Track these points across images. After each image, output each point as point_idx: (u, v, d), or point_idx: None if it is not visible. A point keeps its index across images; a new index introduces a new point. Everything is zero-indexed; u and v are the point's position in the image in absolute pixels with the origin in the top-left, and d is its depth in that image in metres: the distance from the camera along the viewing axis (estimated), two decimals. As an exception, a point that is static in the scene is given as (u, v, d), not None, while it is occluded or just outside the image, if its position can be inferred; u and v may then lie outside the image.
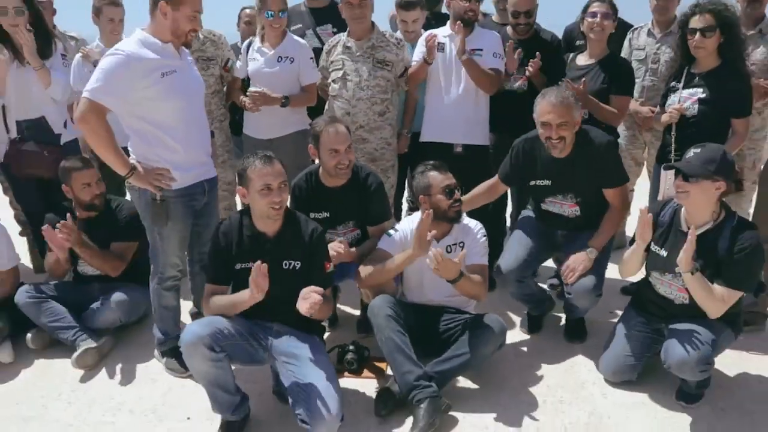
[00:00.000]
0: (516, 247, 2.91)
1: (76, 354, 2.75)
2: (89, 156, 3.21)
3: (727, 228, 2.29)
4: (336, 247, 2.57)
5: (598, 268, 2.75)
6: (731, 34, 2.74)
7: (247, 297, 2.15)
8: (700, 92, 2.83)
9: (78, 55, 3.51)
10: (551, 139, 2.67)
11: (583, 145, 2.74)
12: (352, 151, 2.77)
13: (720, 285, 2.26)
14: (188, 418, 2.43)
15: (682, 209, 2.41)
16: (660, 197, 2.90)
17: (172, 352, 2.66)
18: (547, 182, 2.87)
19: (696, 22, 2.75)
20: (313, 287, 2.14)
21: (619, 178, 2.80)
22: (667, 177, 2.81)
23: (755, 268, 2.29)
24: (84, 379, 2.71)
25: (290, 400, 2.21)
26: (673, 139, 2.91)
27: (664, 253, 2.42)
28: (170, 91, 2.37)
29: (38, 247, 3.50)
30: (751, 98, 2.86)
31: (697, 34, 2.75)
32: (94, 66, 3.37)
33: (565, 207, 2.88)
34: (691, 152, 2.31)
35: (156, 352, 2.80)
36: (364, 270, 2.58)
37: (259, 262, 2.07)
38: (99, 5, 3.50)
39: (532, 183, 2.91)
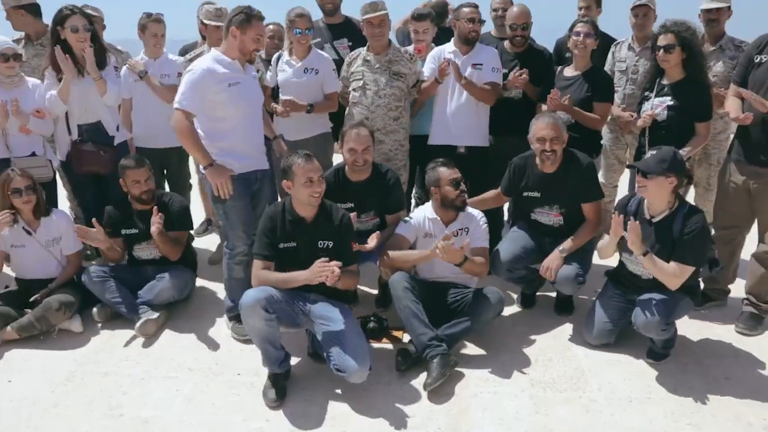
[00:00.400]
0: (511, 243, 3.39)
1: (138, 323, 3.23)
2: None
3: (680, 214, 2.80)
4: (368, 248, 3.07)
5: (581, 261, 3.22)
6: (691, 51, 3.23)
7: (303, 279, 2.64)
8: (668, 100, 3.31)
9: (125, 67, 4.00)
10: (546, 152, 3.17)
11: (568, 164, 3.25)
12: (370, 152, 3.25)
13: (675, 261, 2.75)
14: (239, 374, 2.91)
15: (645, 201, 2.90)
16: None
17: (239, 319, 3.12)
18: (536, 194, 3.36)
19: (661, 40, 3.24)
20: (333, 264, 2.58)
21: (595, 194, 3.29)
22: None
23: (702, 246, 2.79)
24: (146, 345, 3.18)
25: (326, 355, 2.70)
26: (646, 141, 3.39)
27: (638, 225, 2.87)
28: (233, 98, 2.95)
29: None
30: (711, 105, 3.34)
31: (661, 51, 3.24)
32: (140, 76, 3.92)
33: (551, 216, 3.36)
34: (648, 154, 2.80)
35: (225, 318, 3.30)
36: (389, 254, 3.07)
37: (329, 266, 2.55)
38: (144, 23, 3.99)
39: (525, 194, 3.40)
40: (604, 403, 2.64)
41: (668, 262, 2.76)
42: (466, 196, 3.15)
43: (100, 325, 3.38)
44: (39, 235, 3.41)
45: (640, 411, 2.59)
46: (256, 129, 3.16)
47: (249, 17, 2.92)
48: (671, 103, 3.29)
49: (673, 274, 2.73)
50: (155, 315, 3.30)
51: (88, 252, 4.10)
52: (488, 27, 4.29)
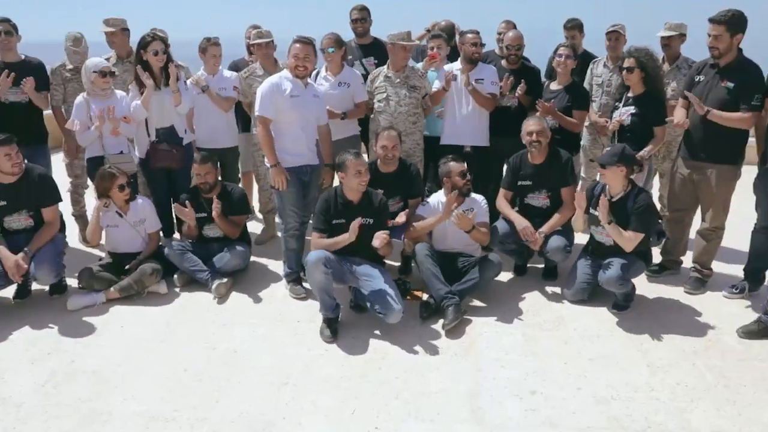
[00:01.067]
0: (505, 222, 4.26)
1: (213, 285, 4.08)
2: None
3: (631, 195, 3.71)
4: (399, 221, 3.94)
5: (567, 236, 4.10)
6: (648, 72, 4.12)
7: (345, 239, 3.52)
8: (632, 109, 4.20)
9: (189, 81, 4.85)
10: (534, 142, 4.05)
11: (552, 157, 4.15)
12: (398, 149, 4.12)
13: (629, 230, 3.64)
14: (298, 321, 3.76)
15: (607, 185, 3.80)
16: None
17: (295, 281, 4.09)
18: (528, 182, 4.24)
19: (625, 63, 4.14)
20: (382, 231, 3.50)
21: (570, 180, 4.18)
22: None
23: (648, 218, 3.68)
24: (220, 303, 4.04)
25: (368, 303, 3.57)
26: (616, 141, 4.28)
27: (597, 213, 3.78)
28: (292, 107, 3.86)
29: (163, 222, 4.78)
30: (665, 113, 4.23)
31: (625, 71, 4.13)
32: (202, 90, 4.78)
33: (540, 199, 4.23)
34: (605, 150, 3.68)
35: (283, 281, 4.18)
36: (413, 225, 3.95)
37: (358, 220, 3.45)
38: (205, 46, 4.83)
39: (519, 183, 4.27)
40: (577, 338, 3.52)
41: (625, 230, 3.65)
42: (470, 184, 4.01)
43: (178, 289, 4.23)
44: (129, 217, 4.26)
45: (603, 343, 3.47)
46: (309, 133, 4.04)
47: (293, 43, 3.90)
48: (634, 111, 4.18)
49: (628, 238, 3.63)
50: (225, 279, 4.16)
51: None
52: (492, 45, 5.20)
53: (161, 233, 4.66)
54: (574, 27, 5.17)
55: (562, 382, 3.05)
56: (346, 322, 3.72)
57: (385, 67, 4.72)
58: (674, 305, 3.95)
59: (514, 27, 5.10)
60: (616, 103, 4.35)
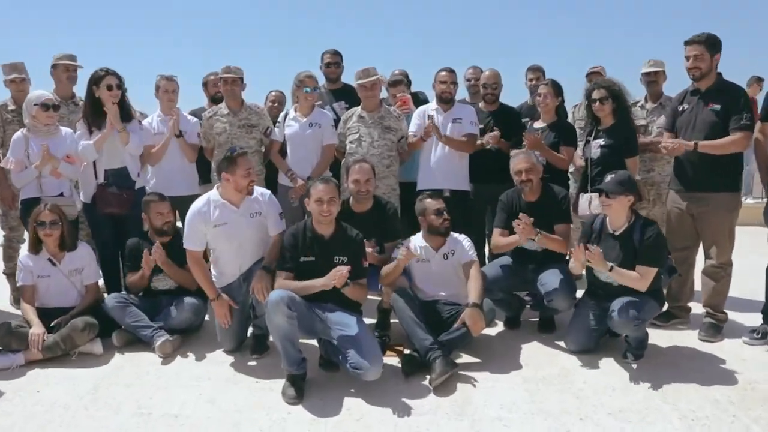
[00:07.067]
0: (492, 267, 3.82)
1: (158, 343, 3.45)
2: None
3: (637, 226, 3.30)
4: (368, 246, 3.43)
5: (568, 279, 3.57)
6: (619, 101, 3.90)
7: (320, 284, 2.99)
8: (601, 141, 3.92)
9: (145, 120, 4.45)
10: (523, 181, 3.69)
11: (547, 195, 3.78)
12: (372, 183, 3.71)
13: (639, 266, 3.20)
14: (256, 382, 3.13)
15: (607, 218, 3.41)
16: (584, 213, 3.90)
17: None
18: None
19: (595, 94, 3.91)
20: (343, 266, 2.97)
21: (567, 218, 3.79)
22: (584, 199, 3.90)
23: (660, 249, 3.27)
24: (164, 363, 3.38)
25: (342, 357, 2.99)
26: (589, 176, 3.95)
27: (599, 250, 3.35)
28: (219, 236, 3.42)
29: (108, 273, 4.19)
30: (636, 143, 3.98)
31: (597, 103, 3.90)
32: (176, 135, 4.34)
33: (535, 242, 3.74)
34: (608, 177, 3.34)
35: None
36: (383, 269, 3.44)
37: (341, 269, 2.93)
38: (158, 83, 4.46)
39: (513, 222, 3.83)
40: (590, 392, 2.97)
41: (632, 267, 3.21)
42: (448, 223, 3.57)
43: (118, 349, 3.57)
44: (63, 266, 3.67)
45: (621, 395, 2.92)
46: (249, 254, 3.43)
47: (232, 159, 3.29)
48: (603, 143, 3.90)
49: (637, 278, 3.18)
50: (173, 336, 3.53)
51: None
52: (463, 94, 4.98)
53: (106, 288, 4.09)
54: (538, 70, 5.07)
55: (581, 442, 2.48)
56: (315, 379, 3.11)
57: (359, 107, 4.44)
58: (693, 353, 3.45)
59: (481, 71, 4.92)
60: (587, 137, 4.11)
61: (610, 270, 3.19)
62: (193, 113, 4.98)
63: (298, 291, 3.04)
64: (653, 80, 4.50)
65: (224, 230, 3.37)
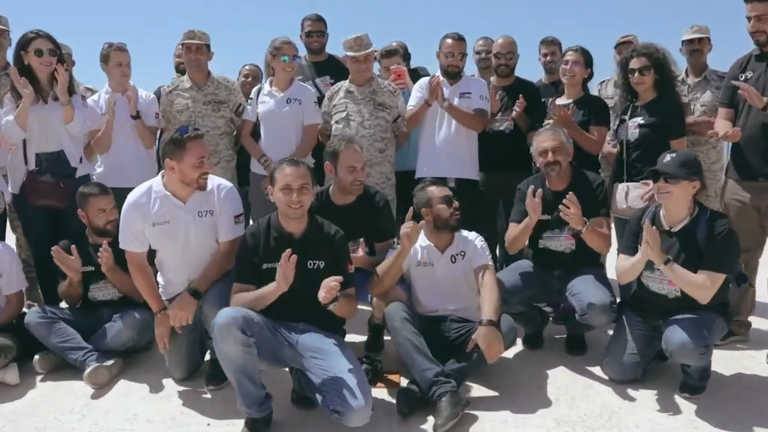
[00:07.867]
0: (509, 273, 3.09)
1: (87, 370, 2.73)
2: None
3: (702, 220, 2.58)
4: (352, 248, 2.71)
5: (605, 285, 2.87)
6: (663, 71, 3.20)
7: (274, 288, 2.27)
8: (640, 120, 3.22)
9: (91, 98, 3.72)
10: (550, 163, 2.96)
11: (578, 181, 3.03)
12: (365, 171, 2.99)
13: (703, 270, 2.48)
14: (208, 425, 2.42)
15: (661, 211, 2.68)
16: (620, 207, 3.19)
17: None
18: (546, 216, 3.04)
19: (634, 63, 3.20)
20: (331, 277, 2.27)
21: (605, 210, 3.06)
22: (619, 190, 3.22)
23: (732, 250, 2.56)
24: (95, 396, 2.67)
25: (318, 395, 2.27)
26: (624, 163, 3.26)
27: (656, 231, 2.59)
28: (158, 235, 2.72)
29: (46, 279, 3.48)
30: (684, 122, 3.28)
31: (636, 74, 3.19)
32: (132, 117, 3.59)
33: (562, 240, 3.05)
34: (667, 157, 2.61)
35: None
36: (377, 270, 2.72)
37: (288, 250, 2.21)
38: (106, 52, 3.64)
39: (559, 206, 3.09)
40: (646, 441, 2.25)
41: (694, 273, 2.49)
42: (459, 214, 2.86)
43: (41, 376, 2.85)
44: (-24, 272, 2.95)
45: (688, 447, 2.21)
46: (198, 261, 2.70)
47: (180, 143, 2.55)
48: (642, 122, 3.21)
49: (703, 284, 2.46)
50: (109, 362, 2.81)
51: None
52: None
53: (39, 297, 3.43)
54: (554, 43, 4.27)
55: None
56: (285, 421, 2.39)
57: (347, 81, 3.70)
58: (764, 383, 2.73)
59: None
60: (622, 116, 3.38)
61: (666, 263, 2.47)
62: (158, 92, 4.24)
63: (251, 305, 2.31)
64: (697, 48, 3.75)
65: (164, 230, 2.64)
